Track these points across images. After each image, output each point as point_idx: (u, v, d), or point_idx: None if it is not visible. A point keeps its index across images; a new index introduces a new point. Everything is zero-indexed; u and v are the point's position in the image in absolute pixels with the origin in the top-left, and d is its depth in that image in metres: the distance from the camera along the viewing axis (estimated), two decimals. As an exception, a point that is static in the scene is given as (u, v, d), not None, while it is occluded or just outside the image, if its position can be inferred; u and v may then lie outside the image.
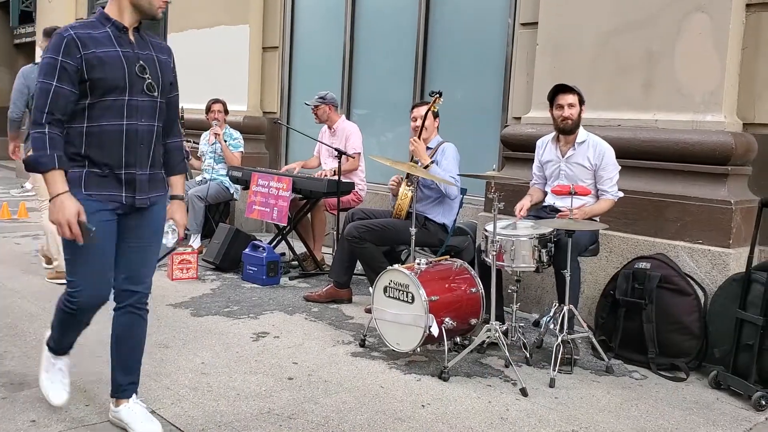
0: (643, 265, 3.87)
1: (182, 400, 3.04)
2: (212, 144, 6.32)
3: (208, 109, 6.36)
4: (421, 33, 6.20)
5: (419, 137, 4.33)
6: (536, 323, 4.34)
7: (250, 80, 7.59)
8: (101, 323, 2.81)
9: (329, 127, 5.80)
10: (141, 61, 2.49)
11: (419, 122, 4.36)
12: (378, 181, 6.08)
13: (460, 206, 4.53)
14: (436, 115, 4.49)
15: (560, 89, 3.92)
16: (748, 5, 4.14)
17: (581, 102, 3.91)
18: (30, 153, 2.43)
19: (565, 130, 3.94)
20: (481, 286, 3.72)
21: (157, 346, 3.67)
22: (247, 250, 5.31)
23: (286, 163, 7.60)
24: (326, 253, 5.79)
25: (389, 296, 3.63)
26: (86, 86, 2.41)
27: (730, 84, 4.12)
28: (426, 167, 4.21)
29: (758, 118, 4.21)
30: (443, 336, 3.48)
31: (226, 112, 6.44)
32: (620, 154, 4.01)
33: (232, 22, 7.64)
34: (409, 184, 4.30)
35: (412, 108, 4.66)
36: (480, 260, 3.93)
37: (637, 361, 3.78)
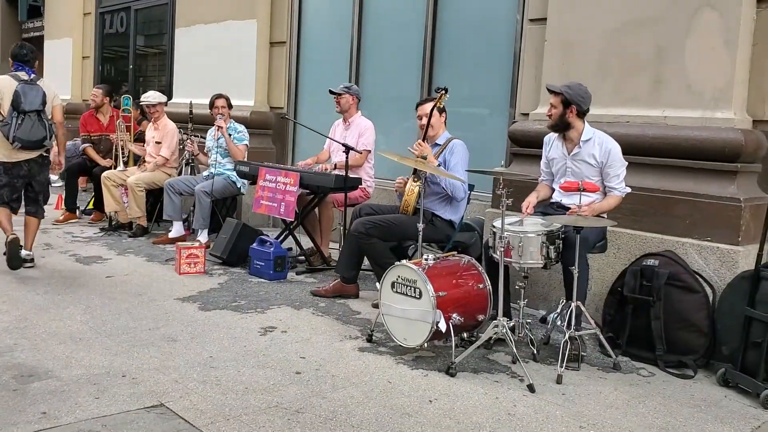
0: (651, 262, 3.86)
1: (190, 393, 3.06)
2: (217, 139, 6.33)
3: (212, 105, 6.36)
4: (429, 28, 6.19)
5: (425, 138, 4.31)
6: (543, 320, 4.33)
7: (258, 75, 7.58)
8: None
9: (345, 120, 5.79)
10: None
11: (425, 120, 4.35)
12: (385, 176, 6.08)
13: (468, 202, 4.52)
14: (442, 111, 4.48)
15: (548, 89, 3.97)
16: (759, 0, 4.11)
17: (568, 103, 3.87)
18: None
19: (552, 128, 3.97)
20: (489, 283, 3.72)
21: (165, 340, 3.69)
22: (254, 244, 5.32)
23: (292, 159, 7.60)
24: (333, 249, 5.79)
25: (397, 292, 3.63)
26: None
27: (740, 80, 4.09)
28: None
29: (768, 115, 4.19)
30: (450, 331, 3.48)
31: (230, 106, 6.44)
32: (629, 151, 4.00)
33: (239, 17, 7.64)
34: (416, 180, 4.29)
35: (417, 106, 4.64)
36: (487, 256, 3.93)
37: (645, 359, 3.78)
